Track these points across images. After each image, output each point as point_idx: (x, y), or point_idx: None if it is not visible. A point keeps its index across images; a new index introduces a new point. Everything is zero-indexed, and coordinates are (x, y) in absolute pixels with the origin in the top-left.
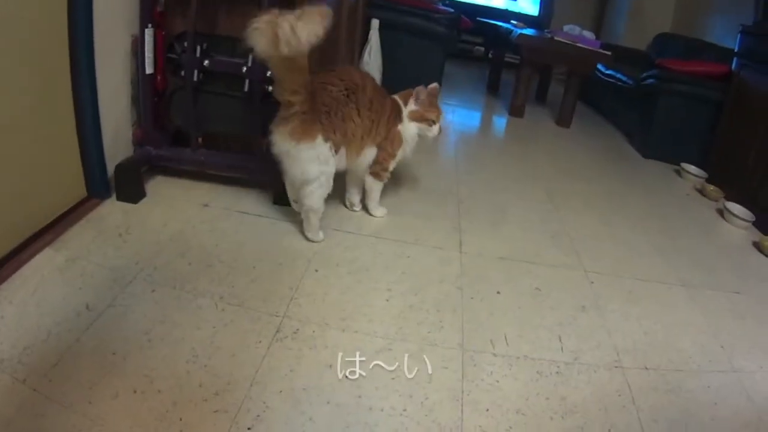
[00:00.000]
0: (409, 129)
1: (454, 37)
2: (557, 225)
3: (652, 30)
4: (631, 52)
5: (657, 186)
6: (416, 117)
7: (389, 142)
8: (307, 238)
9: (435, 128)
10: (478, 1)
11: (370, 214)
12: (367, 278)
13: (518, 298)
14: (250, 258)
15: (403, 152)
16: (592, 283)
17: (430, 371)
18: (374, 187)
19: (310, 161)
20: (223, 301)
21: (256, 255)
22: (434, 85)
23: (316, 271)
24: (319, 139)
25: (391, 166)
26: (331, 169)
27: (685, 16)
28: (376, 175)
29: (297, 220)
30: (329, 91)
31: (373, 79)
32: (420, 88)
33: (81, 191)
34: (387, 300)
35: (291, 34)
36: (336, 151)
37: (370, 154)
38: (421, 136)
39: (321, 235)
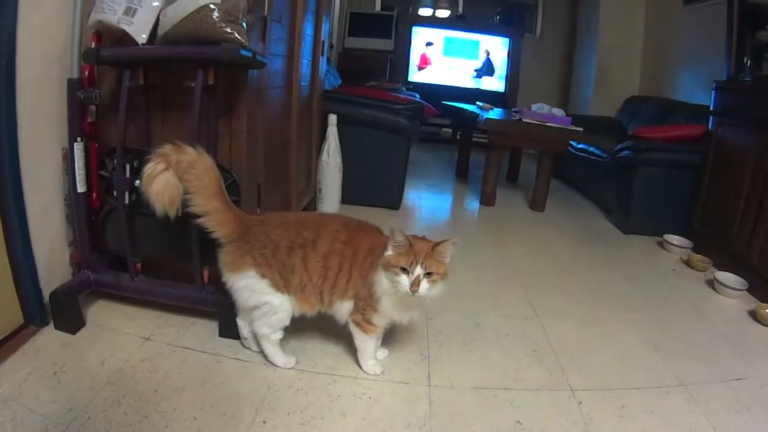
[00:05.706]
0: (381, 281)
1: (418, 128)
2: (538, 335)
3: (620, 94)
4: (601, 120)
5: (641, 265)
6: (385, 265)
7: (367, 290)
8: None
9: (403, 279)
10: (443, 82)
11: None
12: (322, 429)
13: None
14: (192, 407)
15: (388, 308)
16: (581, 404)
17: None
18: (357, 336)
19: (245, 291)
20: None
21: (199, 403)
22: (453, 239)
23: (264, 423)
24: (251, 272)
25: (376, 319)
26: (275, 300)
27: (652, 77)
28: (357, 324)
29: (245, 356)
30: (268, 233)
31: (339, 227)
32: (394, 227)
33: (17, 318)
34: None
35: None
36: (280, 292)
37: (344, 307)
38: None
39: (288, 361)
